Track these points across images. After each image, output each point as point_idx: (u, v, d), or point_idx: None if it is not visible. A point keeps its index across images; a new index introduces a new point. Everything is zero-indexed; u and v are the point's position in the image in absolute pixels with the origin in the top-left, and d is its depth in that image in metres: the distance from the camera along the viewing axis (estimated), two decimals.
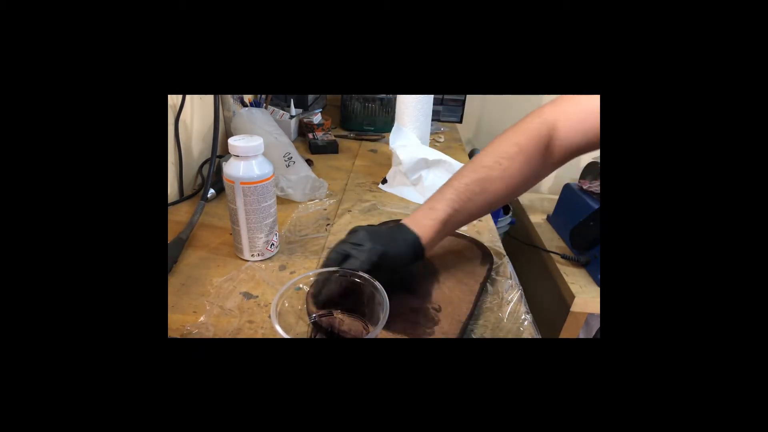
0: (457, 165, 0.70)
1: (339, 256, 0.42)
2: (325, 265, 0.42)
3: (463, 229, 0.63)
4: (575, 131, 0.43)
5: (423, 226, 0.44)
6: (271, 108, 0.92)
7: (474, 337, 0.43)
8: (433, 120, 0.83)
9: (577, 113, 0.43)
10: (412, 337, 0.41)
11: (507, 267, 0.55)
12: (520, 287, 0.50)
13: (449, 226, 0.46)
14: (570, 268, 0.97)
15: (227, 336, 0.40)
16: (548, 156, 0.45)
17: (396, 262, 0.42)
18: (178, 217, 0.61)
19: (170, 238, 0.53)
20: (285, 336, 0.34)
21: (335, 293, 0.41)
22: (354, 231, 0.44)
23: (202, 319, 0.42)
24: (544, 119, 0.45)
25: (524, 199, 1.38)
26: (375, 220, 0.63)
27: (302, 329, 0.40)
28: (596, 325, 0.95)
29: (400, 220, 0.63)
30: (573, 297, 0.89)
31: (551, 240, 1.09)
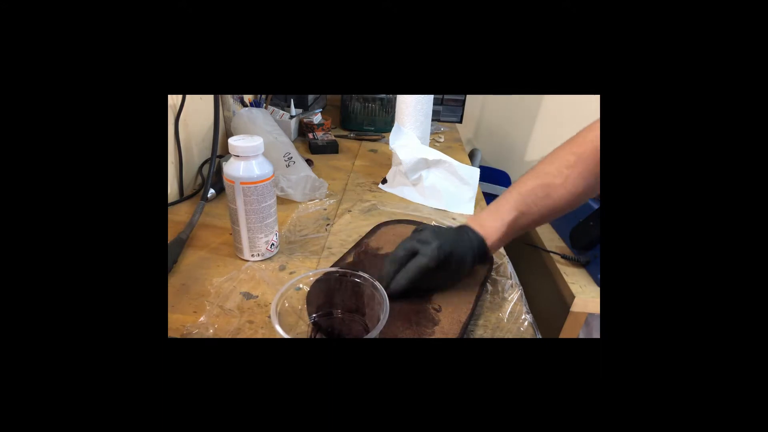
0: (457, 165, 0.70)
1: (406, 253, 0.43)
2: (391, 260, 0.43)
3: None
4: None
5: (488, 228, 0.45)
6: (271, 108, 0.92)
7: (474, 337, 0.43)
8: (433, 120, 0.83)
9: None
10: (412, 337, 0.41)
11: (507, 267, 0.55)
12: (520, 287, 0.50)
13: (514, 228, 0.46)
14: (570, 268, 0.97)
15: (227, 336, 0.40)
16: None
17: (461, 262, 0.44)
18: (178, 217, 0.61)
19: (170, 238, 0.53)
20: (285, 336, 0.34)
21: (335, 293, 0.41)
22: (419, 230, 0.46)
23: (202, 319, 0.42)
24: (597, 133, 0.46)
25: None
26: (375, 221, 0.63)
27: (302, 329, 0.40)
28: (596, 324, 0.95)
29: (402, 220, 0.63)
30: (573, 297, 0.89)
31: (551, 240, 1.09)
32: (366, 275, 0.39)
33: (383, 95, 1.02)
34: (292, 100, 0.96)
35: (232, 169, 0.46)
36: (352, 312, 0.42)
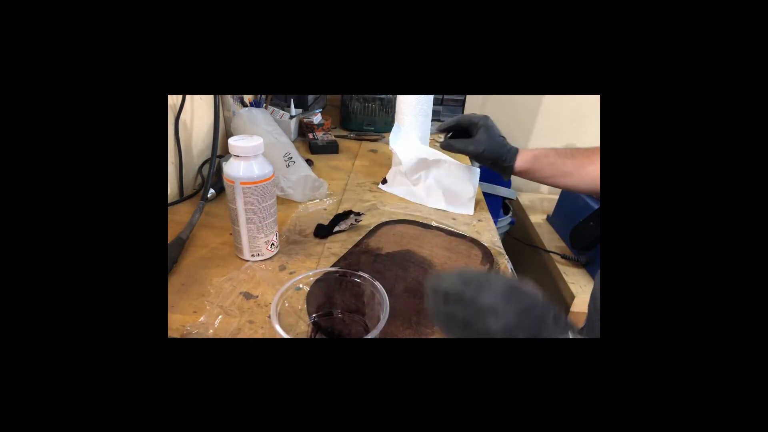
0: (457, 165, 0.70)
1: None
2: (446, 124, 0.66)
3: (463, 229, 0.63)
4: None
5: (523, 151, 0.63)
6: (271, 108, 0.92)
7: None
8: (433, 120, 0.83)
9: None
10: (412, 337, 0.41)
11: (507, 267, 0.55)
12: None
13: (543, 156, 0.61)
14: (570, 268, 0.97)
15: (227, 336, 0.40)
16: None
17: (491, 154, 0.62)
18: (178, 217, 0.61)
19: (170, 238, 0.53)
20: (285, 336, 0.34)
21: (335, 293, 0.41)
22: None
23: (202, 319, 0.42)
24: None
25: (524, 199, 1.38)
26: (375, 221, 0.63)
27: (302, 329, 0.40)
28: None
29: (402, 220, 0.63)
30: (573, 297, 0.89)
31: (551, 240, 1.09)
32: (366, 275, 0.39)
33: (383, 95, 1.02)
34: (292, 100, 0.96)
35: (232, 169, 0.46)
36: (352, 312, 0.42)
